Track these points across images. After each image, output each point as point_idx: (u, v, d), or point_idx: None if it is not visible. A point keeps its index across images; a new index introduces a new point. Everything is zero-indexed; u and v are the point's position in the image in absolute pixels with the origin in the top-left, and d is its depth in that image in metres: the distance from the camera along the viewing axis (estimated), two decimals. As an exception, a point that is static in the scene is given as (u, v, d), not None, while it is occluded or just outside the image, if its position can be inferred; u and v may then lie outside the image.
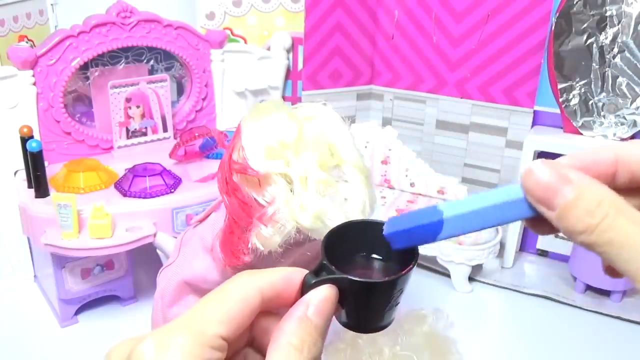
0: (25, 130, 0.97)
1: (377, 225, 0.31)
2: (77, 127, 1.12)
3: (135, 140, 1.17)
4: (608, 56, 1.11)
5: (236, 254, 0.64)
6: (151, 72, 1.23)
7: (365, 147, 1.31)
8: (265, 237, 0.60)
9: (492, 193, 0.28)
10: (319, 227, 0.59)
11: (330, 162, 0.61)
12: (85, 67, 1.12)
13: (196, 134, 1.11)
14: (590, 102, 1.14)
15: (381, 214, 1.18)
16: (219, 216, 0.72)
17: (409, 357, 0.91)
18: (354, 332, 0.97)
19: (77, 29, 1.07)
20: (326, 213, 0.58)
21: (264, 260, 0.63)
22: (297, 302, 0.28)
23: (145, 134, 1.18)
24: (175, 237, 0.95)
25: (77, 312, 1.05)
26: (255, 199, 0.60)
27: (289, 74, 1.39)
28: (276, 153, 0.59)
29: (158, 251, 1.00)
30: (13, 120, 1.03)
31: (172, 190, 1.02)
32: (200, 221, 0.78)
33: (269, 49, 1.35)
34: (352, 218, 0.58)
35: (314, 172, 0.59)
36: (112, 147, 1.16)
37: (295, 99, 1.41)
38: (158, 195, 1.00)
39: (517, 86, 1.24)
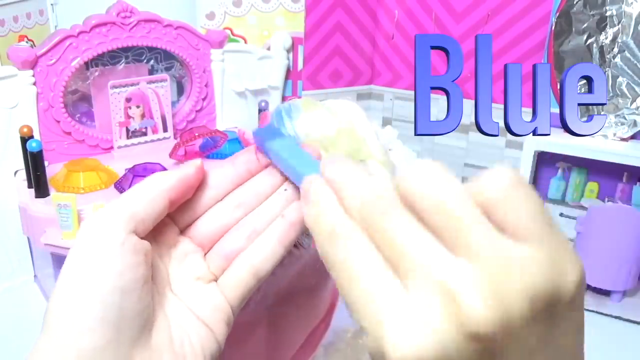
0: (25, 130, 0.97)
1: None
2: (77, 127, 1.12)
3: (135, 140, 1.17)
4: (608, 56, 1.11)
5: None
6: (151, 72, 1.23)
7: (365, 147, 1.31)
8: None
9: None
10: None
11: (357, 157, 0.60)
12: (85, 67, 1.12)
13: (196, 134, 1.11)
14: (590, 102, 1.15)
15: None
16: None
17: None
18: (354, 333, 0.96)
19: (77, 29, 1.07)
20: None
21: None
22: None
23: (145, 134, 1.18)
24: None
25: (77, 312, 1.05)
26: None
27: (289, 74, 1.39)
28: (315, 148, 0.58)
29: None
30: (13, 120, 1.03)
31: (172, 190, 1.02)
32: None
33: (269, 49, 1.35)
34: None
35: None
36: (112, 147, 1.16)
37: (295, 99, 1.41)
38: (158, 195, 1.00)
39: (517, 86, 1.24)
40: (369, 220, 0.23)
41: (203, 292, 0.30)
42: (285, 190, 0.32)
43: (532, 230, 0.21)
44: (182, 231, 0.32)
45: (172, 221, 0.31)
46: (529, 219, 0.21)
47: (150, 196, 0.29)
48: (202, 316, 0.30)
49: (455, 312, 0.20)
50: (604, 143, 1.13)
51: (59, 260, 0.98)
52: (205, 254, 0.32)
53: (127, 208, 0.28)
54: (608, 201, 1.20)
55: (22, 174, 1.03)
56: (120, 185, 1.02)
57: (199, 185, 0.31)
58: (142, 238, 0.28)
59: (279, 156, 0.31)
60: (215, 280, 0.31)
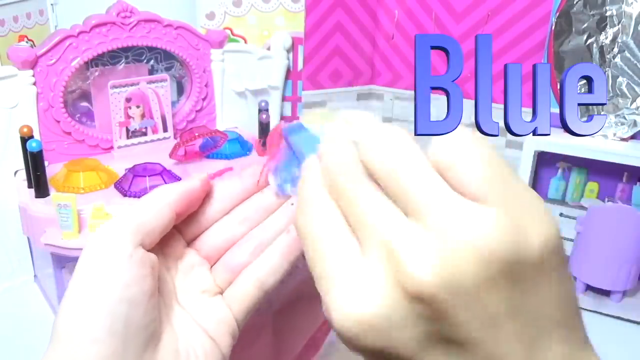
0: (25, 130, 0.97)
1: None
2: (77, 127, 1.12)
3: (135, 140, 1.17)
4: (608, 56, 1.11)
5: None
6: (151, 72, 1.23)
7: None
8: None
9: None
10: None
11: None
12: (85, 66, 1.12)
13: (196, 134, 1.11)
14: (590, 102, 1.15)
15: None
16: None
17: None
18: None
19: (77, 29, 1.07)
20: None
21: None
22: None
23: (145, 134, 1.18)
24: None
25: (77, 312, 1.05)
26: None
27: (289, 74, 1.39)
28: None
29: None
30: (13, 120, 1.03)
31: (172, 190, 1.02)
32: None
33: (269, 49, 1.35)
34: None
35: None
36: (112, 147, 1.16)
37: (295, 99, 1.41)
38: (158, 195, 1.00)
39: (517, 86, 1.24)
40: (336, 189, 0.23)
41: (209, 305, 0.30)
42: (292, 204, 0.32)
43: (490, 190, 0.20)
44: (189, 243, 0.32)
45: (179, 233, 0.32)
46: (485, 178, 0.21)
47: (157, 208, 0.29)
48: (207, 329, 0.30)
49: (397, 273, 0.20)
50: (604, 143, 1.13)
51: (59, 260, 0.98)
52: (211, 267, 0.32)
53: (134, 221, 0.28)
54: (608, 201, 1.20)
55: (22, 174, 1.03)
56: (120, 185, 1.02)
57: (205, 198, 0.32)
58: (149, 250, 0.28)
59: (296, 146, 0.32)
60: (221, 293, 0.31)
